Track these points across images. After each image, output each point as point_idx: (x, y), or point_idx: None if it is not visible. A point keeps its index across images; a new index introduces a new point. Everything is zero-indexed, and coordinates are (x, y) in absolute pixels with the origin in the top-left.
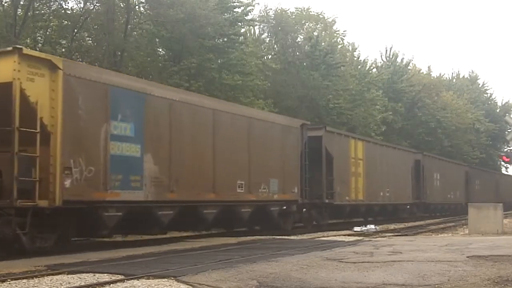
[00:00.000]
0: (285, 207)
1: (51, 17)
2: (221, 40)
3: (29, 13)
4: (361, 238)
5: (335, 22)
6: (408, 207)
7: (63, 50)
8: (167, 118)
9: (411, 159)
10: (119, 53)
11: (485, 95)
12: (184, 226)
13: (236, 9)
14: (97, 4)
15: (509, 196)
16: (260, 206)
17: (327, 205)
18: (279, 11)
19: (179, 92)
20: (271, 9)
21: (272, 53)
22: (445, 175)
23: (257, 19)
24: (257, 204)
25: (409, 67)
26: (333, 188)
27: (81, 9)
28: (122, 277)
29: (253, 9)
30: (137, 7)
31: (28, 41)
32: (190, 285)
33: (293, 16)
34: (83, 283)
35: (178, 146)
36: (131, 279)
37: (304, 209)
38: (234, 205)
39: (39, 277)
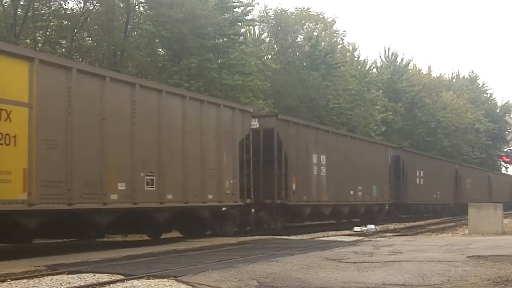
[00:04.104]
0: None
1: (51, 17)
2: (221, 40)
3: (29, 13)
4: (361, 238)
5: (335, 22)
6: (235, 212)
7: (63, 50)
8: None
9: (236, 118)
10: (119, 53)
11: (485, 95)
12: None
13: (236, 9)
14: (97, 4)
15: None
16: None
17: None
18: (279, 11)
19: None
20: (271, 9)
21: (272, 53)
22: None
23: (257, 19)
24: None
25: (409, 67)
26: None
27: (81, 9)
28: (122, 277)
29: (253, 9)
30: (137, 7)
31: (28, 41)
32: (190, 285)
33: (293, 16)
34: (83, 283)
35: None
36: (131, 279)
37: None
38: None
39: (39, 277)
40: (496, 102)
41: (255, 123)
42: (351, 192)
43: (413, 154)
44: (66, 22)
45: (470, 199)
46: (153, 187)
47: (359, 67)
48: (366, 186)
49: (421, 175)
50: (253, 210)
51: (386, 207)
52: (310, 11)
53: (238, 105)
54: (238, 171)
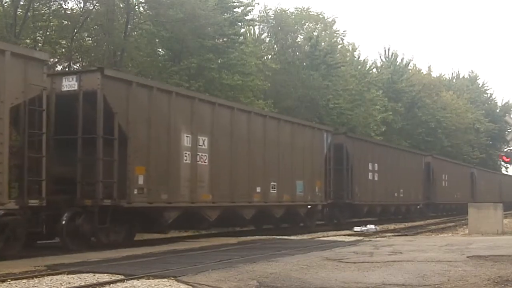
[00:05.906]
0: None
1: (51, 17)
2: (221, 40)
3: (29, 13)
4: (361, 238)
5: (335, 22)
6: None
7: (63, 50)
8: None
9: None
10: (119, 53)
11: (485, 95)
12: None
13: (236, 9)
14: (97, 4)
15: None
16: None
17: None
18: (279, 11)
19: None
20: (271, 9)
21: (272, 53)
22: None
23: (257, 19)
24: None
25: (409, 67)
26: None
27: (81, 9)
28: (122, 277)
29: (253, 9)
30: (137, 7)
31: (28, 41)
32: (190, 285)
33: (293, 16)
34: (83, 283)
35: None
36: (131, 279)
37: None
38: None
39: (39, 277)
40: (496, 102)
41: (72, 82)
42: (258, 190)
43: (363, 142)
44: (66, 22)
45: (447, 199)
46: None
47: (359, 67)
48: (285, 182)
49: (376, 168)
50: (66, 215)
51: (326, 209)
52: (310, 11)
53: (12, 46)
54: (8, 156)
